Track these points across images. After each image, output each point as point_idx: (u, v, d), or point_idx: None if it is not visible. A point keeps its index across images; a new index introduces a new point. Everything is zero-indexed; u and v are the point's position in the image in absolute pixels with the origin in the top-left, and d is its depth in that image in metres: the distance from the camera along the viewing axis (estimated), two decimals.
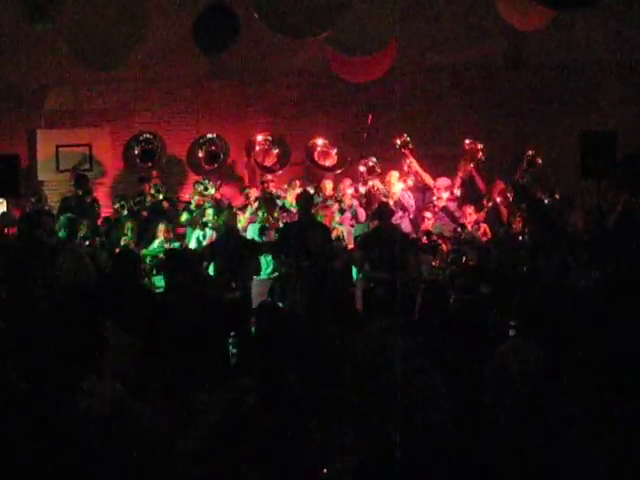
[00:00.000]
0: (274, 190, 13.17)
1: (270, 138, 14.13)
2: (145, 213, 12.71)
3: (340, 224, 12.23)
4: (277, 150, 14.02)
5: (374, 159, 13.37)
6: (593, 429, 4.96)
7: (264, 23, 8.94)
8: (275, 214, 11.95)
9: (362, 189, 12.96)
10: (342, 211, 12.62)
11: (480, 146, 13.04)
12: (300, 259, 9.87)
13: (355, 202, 12.81)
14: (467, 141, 13.13)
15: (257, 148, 14.06)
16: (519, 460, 4.86)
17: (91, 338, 5.73)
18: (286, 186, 13.37)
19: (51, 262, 9.27)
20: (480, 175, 13.05)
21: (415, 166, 12.92)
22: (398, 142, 13.00)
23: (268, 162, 13.98)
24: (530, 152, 12.91)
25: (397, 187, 12.77)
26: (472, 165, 12.97)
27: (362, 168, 13.26)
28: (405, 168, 13.00)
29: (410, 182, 12.85)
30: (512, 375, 5.27)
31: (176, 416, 5.35)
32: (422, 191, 12.99)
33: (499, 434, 5.08)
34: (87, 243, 10.96)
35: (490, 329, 7.10)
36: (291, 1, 8.43)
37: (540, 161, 12.94)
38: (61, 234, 11.43)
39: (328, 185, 13.28)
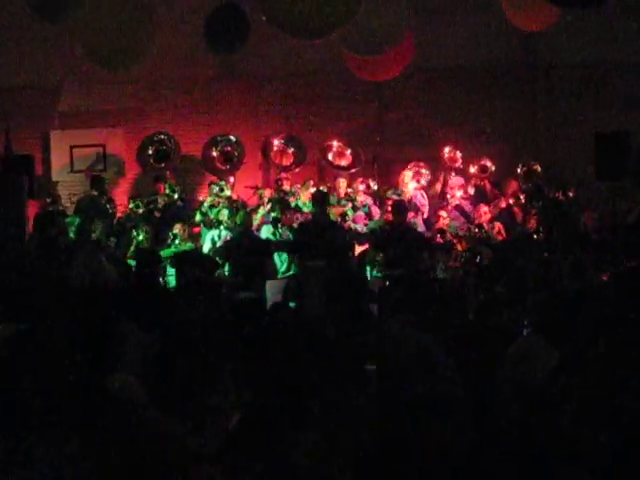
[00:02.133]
0: (289, 188, 13.16)
1: (284, 140, 14.14)
2: (157, 213, 12.70)
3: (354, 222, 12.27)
4: (292, 149, 14.04)
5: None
6: (607, 429, 4.95)
7: (273, 25, 8.95)
8: (288, 214, 11.96)
9: (373, 184, 12.99)
10: (355, 209, 12.62)
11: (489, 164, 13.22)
12: (315, 258, 9.87)
13: (369, 200, 12.79)
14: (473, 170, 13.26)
15: (274, 149, 14.06)
16: (531, 459, 4.86)
17: (108, 337, 5.75)
18: (300, 186, 13.37)
19: (65, 261, 9.32)
20: (491, 185, 13.19)
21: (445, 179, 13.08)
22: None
23: (286, 162, 14.01)
24: (523, 167, 12.95)
25: (410, 186, 12.77)
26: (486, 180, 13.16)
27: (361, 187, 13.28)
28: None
29: (423, 181, 12.84)
30: (525, 373, 5.26)
31: (191, 417, 5.36)
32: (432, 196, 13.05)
33: (512, 433, 5.08)
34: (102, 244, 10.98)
35: (504, 328, 7.09)
36: (297, 3, 8.43)
37: (539, 168, 12.98)
38: (72, 234, 11.48)
39: (342, 184, 13.30)
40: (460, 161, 13.27)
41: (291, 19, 8.63)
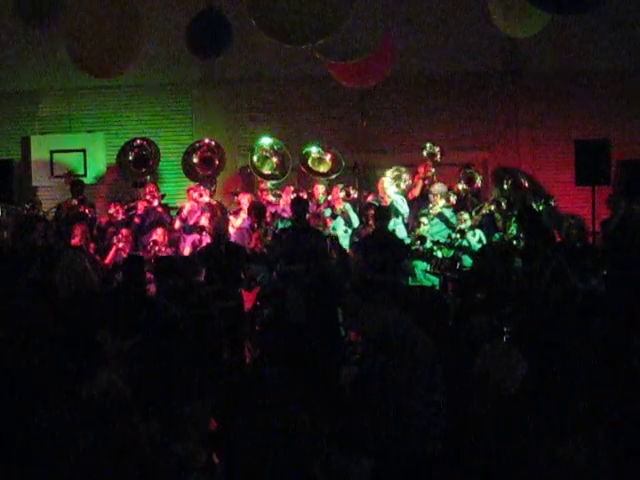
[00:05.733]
0: (271, 198, 13.10)
1: (275, 147, 13.91)
2: (137, 219, 12.64)
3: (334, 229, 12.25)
4: (276, 159, 13.84)
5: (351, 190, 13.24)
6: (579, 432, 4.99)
7: (262, 30, 8.92)
8: (268, 222, 11.92)
9: (353, 192, 12.93)
10: (334, 217, 12.59)
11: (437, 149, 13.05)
12: (295, 264, 9.85)
13: (348, 206, 12.73)
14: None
15: (255, 158, 13.81)
16: (501, 461, 4.88)
17: (87, 344, 5.73)
18: (280, 192, 13.33)
19: (43, 266, 9.26)
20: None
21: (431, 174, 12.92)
22: (425, 153, 12.99)
23: (266, 170, 13.81)
24: (509, 180, 12.78)
25: (390, 191, 12.69)
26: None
27: (341, 194, 13.11)
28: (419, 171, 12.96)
29: (403, 186, 12.79)
30: (493, 378, 5.26)
31: (169, 422, 5.35)
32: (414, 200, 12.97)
33: (483, 435, 5.10)
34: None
35: (483, 335, 7.11)
36: (289, 9, 8.41)
37: (527, 183, 12.83)
38: (53, 239, 11.42)
39: (320, 189, 13.29)
40: (439, 155, 13.07)
41: (282, 25, 8.59)
